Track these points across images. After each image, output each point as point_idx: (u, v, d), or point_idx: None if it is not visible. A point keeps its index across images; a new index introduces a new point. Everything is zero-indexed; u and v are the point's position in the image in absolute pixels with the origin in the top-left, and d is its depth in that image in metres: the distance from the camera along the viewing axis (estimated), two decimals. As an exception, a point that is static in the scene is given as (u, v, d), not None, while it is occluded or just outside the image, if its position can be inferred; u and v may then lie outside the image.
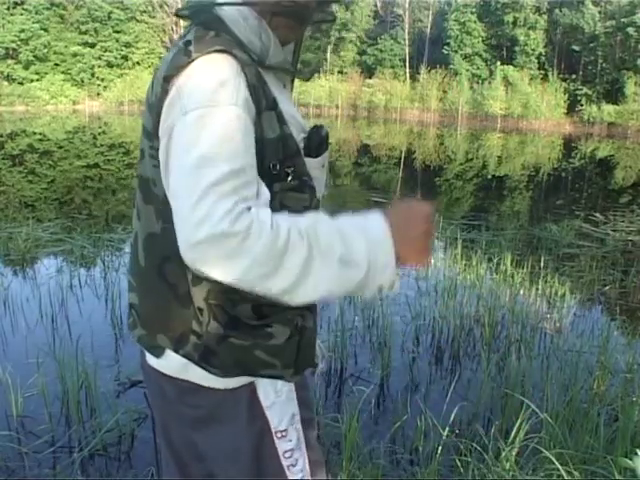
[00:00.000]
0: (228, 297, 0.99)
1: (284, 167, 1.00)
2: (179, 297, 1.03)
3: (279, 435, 1.08)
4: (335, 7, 1.09)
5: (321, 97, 39.65)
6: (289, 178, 1.01)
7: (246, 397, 1.07)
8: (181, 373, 1.07)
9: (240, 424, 1.07)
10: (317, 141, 1.08)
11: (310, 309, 1.10)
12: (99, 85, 37.47)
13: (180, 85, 0.93)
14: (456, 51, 38.47)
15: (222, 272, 0.85)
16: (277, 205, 0.99)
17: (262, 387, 1.07)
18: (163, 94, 0.96)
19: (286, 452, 1.08)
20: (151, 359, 1.13)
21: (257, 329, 1.02)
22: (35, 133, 20.37)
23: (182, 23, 43.39)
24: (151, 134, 1.01)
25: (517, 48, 37.21)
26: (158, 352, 1.08)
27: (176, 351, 1.04)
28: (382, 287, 0.93)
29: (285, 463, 1.09)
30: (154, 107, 0.99)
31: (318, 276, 0.88)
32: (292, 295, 0.89)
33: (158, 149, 0.99)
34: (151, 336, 1.08)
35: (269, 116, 0.98)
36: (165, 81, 0.96)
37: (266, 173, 0.97)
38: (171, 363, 1.08)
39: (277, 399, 1.08)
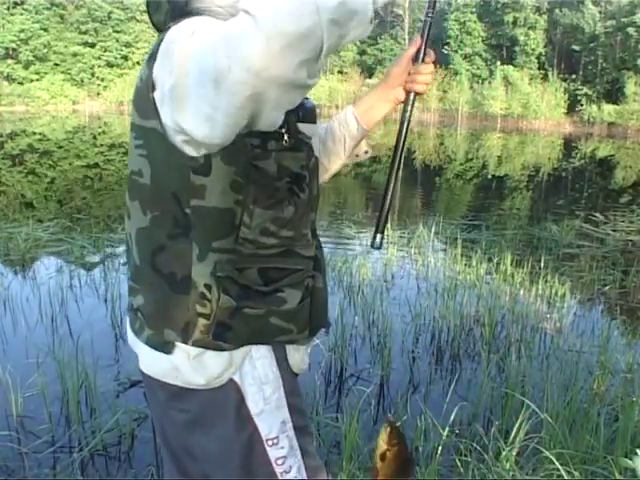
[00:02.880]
0: (234, 266, 0.99)
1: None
2: (176, 285, 1.02)
3: (270, 443, 1.07)
4: None
5: (321, 97, 39.64)
6: (284, 137, 1.00)
7: (234, 404, 1.06)
8: (169, 378, 1.07)
9: (228, 430, 1.07)
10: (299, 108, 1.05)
11: (320, 269, 1.11)
12: (99, 85, 37.48)
13: (165, 41, 0.91)
14: (456, 51, 38.48)
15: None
16: (274, 165, 0.99)
17: (250, 395, 1.06)
18: (150, 72, 0.93)
19: (278, 459, 1.08)
20: (142, 364, 1.13)
21: (269, 295, 1.02)
22: (35, 133, 20.37)
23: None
24: (136, 125, 1.01)
25: (517, 48, 37.23)
26: (169, 348, 1.06)
27: (185, 342, 1.03)
28: None
29: (278, 470, 1.08)
30: (141, 89, 0.97)
31: None
32: None
33: (143, 135, 0.98)
34: (158, 334, 1.07)
35: None
36: (150, 60, 0.94)
37: (257, 131, 0.94)
38: (160, 367, 1.08)
39: (266, 406, 1.07)
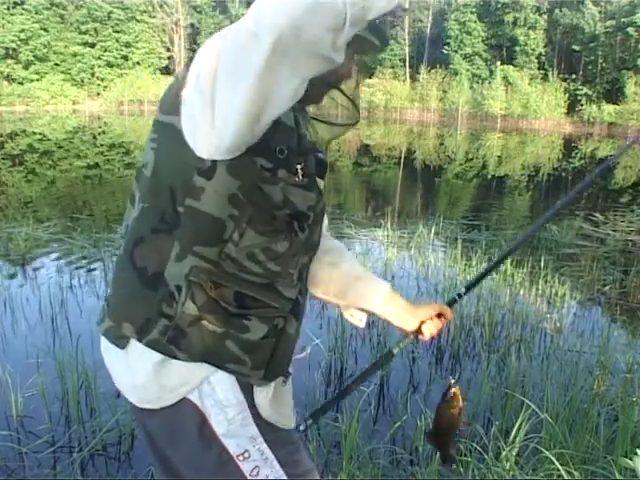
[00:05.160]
0: (211, 278, 0.98)
1: (294, 160, 0.99)
2: (147, 280, 1.01)
3: (241, 458, 1.06)
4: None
5: (321, 97, 39.53)
6: (299, 175, 1.00)
7: (195, 426, 1.04)
8: (130, 394, 1.07)
9: (194, 449, 1.06)
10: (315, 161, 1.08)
11: (296, 315, 1.09)
12: (99, 85, 37.44)
13: (205, 45, 0.94)
14: (456, 51, 38.47)
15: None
16: (280, 195, 0.98)
17: (213, 415, 1.04)
18: (186, 72, 0.96)
19: (252, 470, 1.06)
20: (115, 378, 1.12)
21: (233, 317, 1.00)
22: (35, 133, 20.36)
23: (182, 23, 42.58)
24: (156, 120, 1.02)
25: (517, 48, 37.21)
26: (122, 343, 1.05)
27: (139, 339, 1.02)
28: None
29: None
30: (172, 87, 1.00)
31: None
32: None
33: (159, 130, 1.01)
34: (117, 326, 1.05)
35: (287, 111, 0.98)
36: (190, 62, 0.97)
37: (272, 153, 0.96)
38: (122, 383, 1.09)
39: (231, 426, 1.04)
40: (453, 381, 1.28)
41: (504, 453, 2.19)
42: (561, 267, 5.29)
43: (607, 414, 2.57)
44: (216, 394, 1.04)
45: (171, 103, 0.97)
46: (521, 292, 4.44)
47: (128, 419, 2.57)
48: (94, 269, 4.95)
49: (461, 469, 2.22)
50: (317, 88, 1.02)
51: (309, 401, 2.76)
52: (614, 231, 7.05)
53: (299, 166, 1.00)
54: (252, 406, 1.06)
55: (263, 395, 1.08)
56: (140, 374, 1.04)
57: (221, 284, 0.99)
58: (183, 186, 0.97)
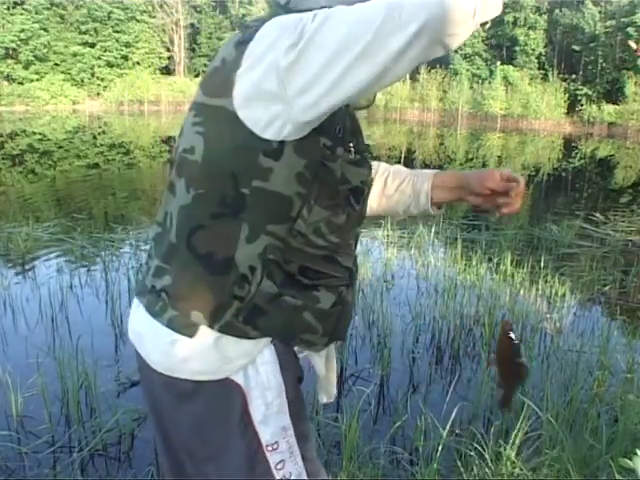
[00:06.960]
0: (282, 254, 1.01)
1: (348, 138, 1.05)
2: (214, 266, 1.01)
3: (270, 449, 1.06)
4: None
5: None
6: (352, 152, 1.05)
7: (238, 409, 1.05)
8: (178, 371, 1.05)
9: (229, 434, 1.06)
10: None
11: (352, 285, 1.14)
12: (99, 85, 37.40)
13: (267, 26, 0.94)
14: (456, 51, 38.45)
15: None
16: (339, 171, 1.02)
17: (253, 399, 1.05)
18: (238, 54, 0.95)
19: (278, 464, 1.07)
20: (149, 357, 1.10)
21: (307, 290, 1.04)
22: (35, 133, 20.35)
23: (182, 23, 42.54)
24: (198, 103, 1.03)
25: (517, 48, 37.20)
26: (192, 331, 1.03)
27: (211, 326, 1.02)
28: None
29: (277, 476, 1.07)
30: (218, 69, 1.00)
31: None
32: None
33: (204, 112, 1.01)
34: (184, 315, 1.04)
35: None
36: (240, 44, 0.96)
37: (333, 133, 1.00)
38: (169, 361, 1.05)
39: (268, 411, 1.06)
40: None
41: (504, 453, 2.19)
42: (561, 267, 5.29)
43: (607, 414, 2.58)
44: (260, 375, 1.06)
45: (219, 85, 0.98)
46: (521, 292, 4.44)
47: (128, 419, 2.57)
48: (94, 269, 4.95)
49: (461, 469, 2.22)
50: None
51: (309, 401, 2.76)
52: (614, 231, 7.04)
53: (351, 144, 1.06)
54: (288, 391, 1.09)
55: (319, 362, 1.18)
56: (205, 355, 1.04)
57: (290, 260, 1.02)
58: (248, 169, 0.97)
